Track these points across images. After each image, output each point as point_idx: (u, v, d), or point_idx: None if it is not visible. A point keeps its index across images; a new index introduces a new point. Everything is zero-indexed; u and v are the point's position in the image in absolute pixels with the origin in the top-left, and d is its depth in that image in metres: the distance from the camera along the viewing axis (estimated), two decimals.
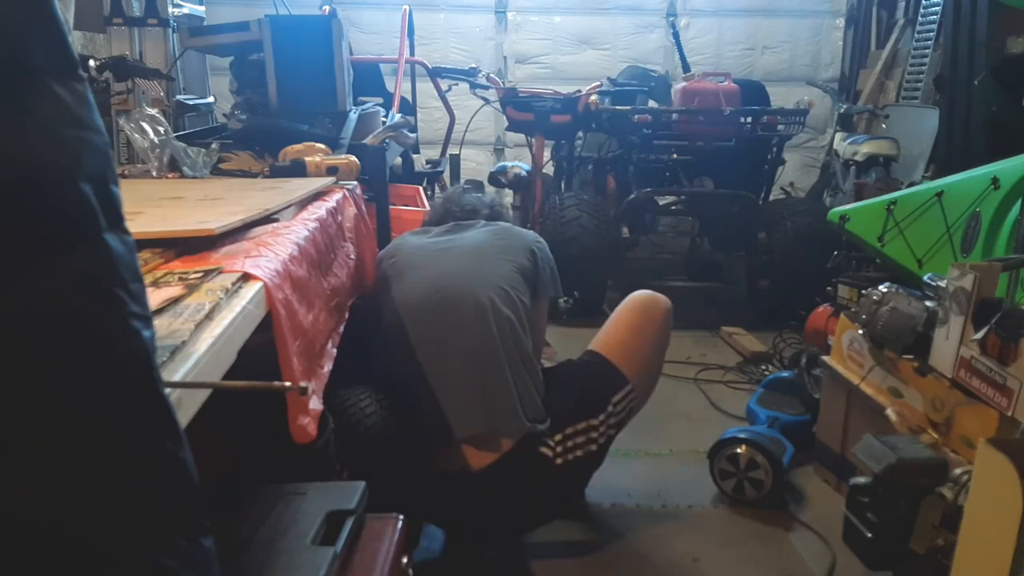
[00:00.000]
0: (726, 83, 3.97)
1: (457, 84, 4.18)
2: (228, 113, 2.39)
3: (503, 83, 4.30)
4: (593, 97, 3.99)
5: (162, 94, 2.36)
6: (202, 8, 3.10)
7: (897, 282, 2.06)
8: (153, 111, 1.90)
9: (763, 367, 3.18)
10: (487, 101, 4.07)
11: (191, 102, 2.60)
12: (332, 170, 1.82)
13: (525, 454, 1.73)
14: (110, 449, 0.51)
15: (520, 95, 4.08)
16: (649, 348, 1.95)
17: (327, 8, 2.87)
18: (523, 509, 1.80)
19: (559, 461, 1.74)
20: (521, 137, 4.51)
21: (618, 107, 3.96)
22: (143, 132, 1.79)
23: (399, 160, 3.02)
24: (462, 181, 4.62)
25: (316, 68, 2.19)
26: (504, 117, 4.24)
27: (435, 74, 3.85)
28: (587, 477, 1.89)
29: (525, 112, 4.01)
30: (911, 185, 3.16)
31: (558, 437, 1.75)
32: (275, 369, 1.03)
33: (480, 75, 4.03)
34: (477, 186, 5.00)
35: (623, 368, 1.87)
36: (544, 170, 4.65)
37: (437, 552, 1.93)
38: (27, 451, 0.47)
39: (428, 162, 4.65)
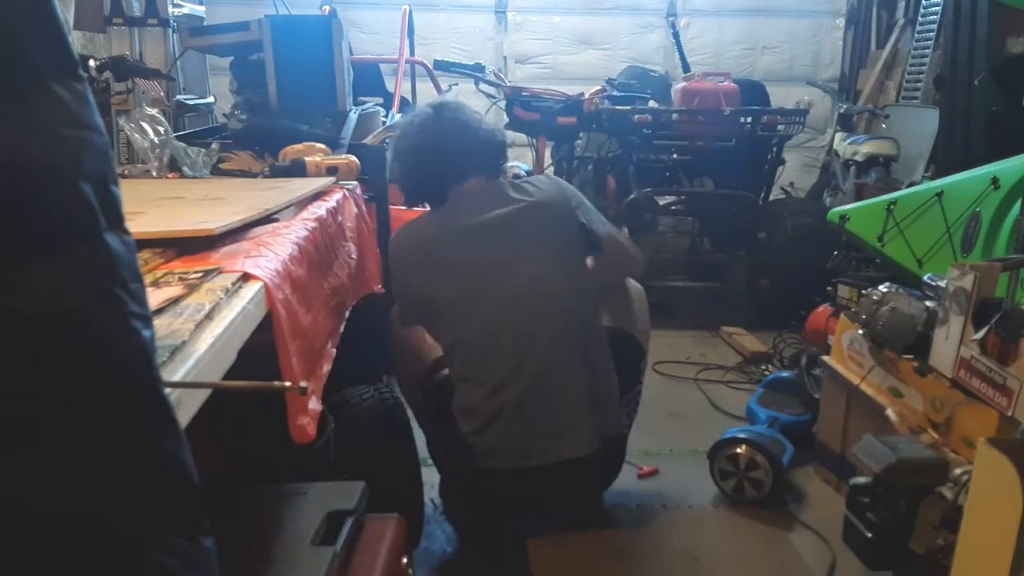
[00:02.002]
0: (726, 83, 3.97)
1: (457, 84, 4.17)
2: (228, 113, 2.39)
3: (507, 81, 4.29)
4: (593, 98, 3.99)
5: (162, 94, 2.36)
6: (202, 8, 3.10)
7: (897, 282, 2.07)
8: (153, 111, 1.90)
9: (763, 367, 3.18)
10: (492, 99, 4.06)
11: (191, 102, 2.61)
12: (332, 170, 1.82)
13: (616, 439, 1.92)
14: (110, 449, 0.51)
15: (524, 95, 4.07)
16: (647, 319, 2.17)
17: (327, 8, 2.87)
18: (592, 483, 2.02)
19: (624, 432, 1.97)
20: (520, 137, 4.50)
21: (618, 107, 3.96)
22: (143, 132, 1.79)
23: None
24: None
25: (316, 68, 2.20)
26: (505, 115, 4.23)
27: (441, 68, 3.83)
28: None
29: (531, 112, 4.00)
30: (911, 185, 3.16)
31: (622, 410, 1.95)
32: (275, 369, 1.03)
33: (488, 72, 4.01)
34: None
35: (639, 338, 2.09)
36: (544, 170, 4.65)
37: (438, 552, 1.93)
38: (26, 451, 0.47)
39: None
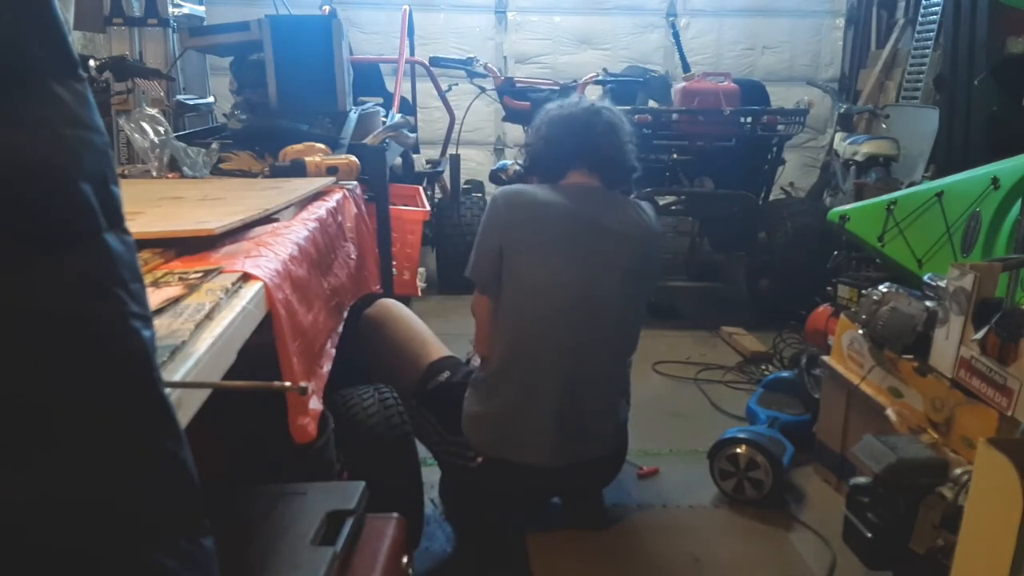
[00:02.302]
0: (726, 83, 3.97)
1: (457, 84, 4.18)
2: (228, 113, 2.39)
3: (498, 73, 4.29)
4: (587, 84, 3.99)
5: (162, 94, 2.36)
6: (202, 8, 3.10)
7: (897, 282, 2.07)
8: (153, 111, 1.90)
9: (763, 367, 3.18)
10: (483, 90, 4.07)
11: (191, 102, 2.61)
12: (332, 170, 1.82)
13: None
14: (110, 449, 0.51)
15: (517, 85, 4.08)
16: None
17: (327, 8, 2.87)
18: (606, 474, 2.07)
19: (621, 445, 2.04)
20: (521, 135, 4.50)
21: (618, 107, 3.95)
22: (143, 132, 1.79)
23: (399, 160, 3.02)
24: (461, 181, 4.59)
25: (316, 68, 2.20)
26: (502, 111, 4.23)
27: (434, 64, 3.84)
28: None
29: (522, 101, 4.00)
30: (911, 185, 3.16)
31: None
32: (275, 369, 1.03)
33: (477, 64, 4.02)
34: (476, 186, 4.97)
35: None
36: None
37: (438, 552, 1.93)
38: (26, 451, 0.47)
39: (428, 162, 4.65)
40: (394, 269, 2.07)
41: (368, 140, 2.20)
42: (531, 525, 2.02)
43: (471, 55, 4.21)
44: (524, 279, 1.84)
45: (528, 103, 3.99)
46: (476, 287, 1.94)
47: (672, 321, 3.72)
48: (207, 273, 0.96)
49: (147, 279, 0.93)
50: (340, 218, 1.62)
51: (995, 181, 2.23)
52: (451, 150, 4.39)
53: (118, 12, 2.48)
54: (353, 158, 1.90)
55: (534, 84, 4.13)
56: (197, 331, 0.78)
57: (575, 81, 4.04)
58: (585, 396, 1.88)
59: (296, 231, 1.28)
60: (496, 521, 2.03)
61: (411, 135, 2.84)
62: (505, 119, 4.37)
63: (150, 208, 1.30)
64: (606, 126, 1.93)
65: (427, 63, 3.97)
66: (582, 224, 1.86)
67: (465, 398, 1.92)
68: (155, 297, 0.84)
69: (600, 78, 4.19)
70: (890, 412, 1.86)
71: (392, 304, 2.06)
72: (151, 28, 2.54)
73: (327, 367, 1.28)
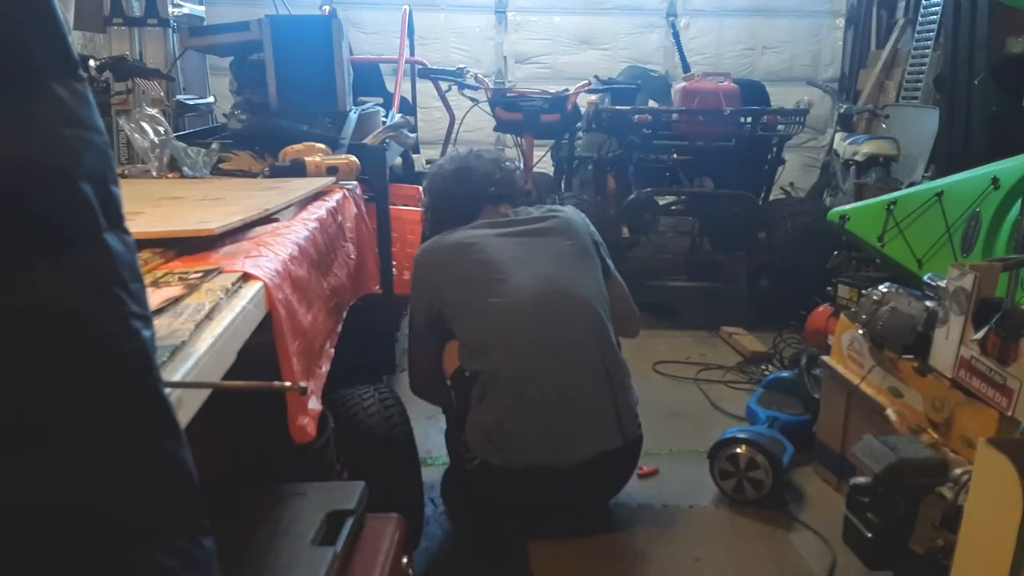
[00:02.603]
0: (726, 83, 3.96)
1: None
2: (228, 113, 2.39)
3: (492, 83, 4.28)
4: (592, 97, 3.98)
5: (162, 94, 2.36)
6: (202, 8, 3.10)
7: (897, 282, 2.06)
8: (153, 111, 1.90)
9: (763, 367, 3.18)
10: (475, 102, 4.07)
11: (191, 102, 2.61)
12: (332, 170, 1.82)
13: (636, 440, 1.98)
14: (110, 449, 0.51)
15: (508, 95, 4.08)
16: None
17: (327, 8, 2.86)
18: (613, 486, 2.04)
19: (641, 434, 2.00)
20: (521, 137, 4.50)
21: (618, 107, 3.96)
22: (143, 132, 1.79)
23: (399, 160, 3.02)
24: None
25: (316, 68, 2.19)
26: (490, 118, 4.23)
27: (423, 75, 3.84)
28: None
29: (514, 112, 4.00)
30: (911, 185, 3.16)
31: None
32: (275, 369, 1.03)
33: (468, 75, 4.02)
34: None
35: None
36: (543, 170, 4.65)
37: (437, 552, 1.93)
38: (26, 451, 0.47)
39: (428, 162, 4.64)
40: (394, 269, 2.06)
41: (368, 140, 2.20)
42: (531, 525, 2.01)
43: (461, 66, 4.20)
44: (487, 315, 1.89)
45: (520, 114, 3.99)
46: (414, 343, 2.04)
47: (672, 321, 3.72)
48: (207, 273, 0.96)
49: (147, 279, 0.93)
50: (340, 218, 1.62)
51: (995, 181, 2.23)
52: (451, 150, 4.38)
53: (118, 12, 2.48)
54: (353, 158, 1.90)
55: (525, 94, 4.13)
56: (197, 331, 0.78)
57: (567, 90, 4.04)
58: (576, 389, 1.87)
59: (296, 231, 1.28)
60: (498, 524, 2.02)
61: (411, 135, 2.84)
62: (496, 129, 4.37)
63: (150, 208, 1.30)
64: (494, 163, 2.15)
65: (427, 64, 3.96)
66: (512, 234, 1.99)
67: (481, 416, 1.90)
68: (155, 297, 0.84)
69: (592, 87, 4.18)
70: (890, 412, 1.86)
71: None
72: (151, 28, 2.54)
73: (327, 367, 1.28)
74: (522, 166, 4.14)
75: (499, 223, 2.03)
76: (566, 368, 1.87)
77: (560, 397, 1.85)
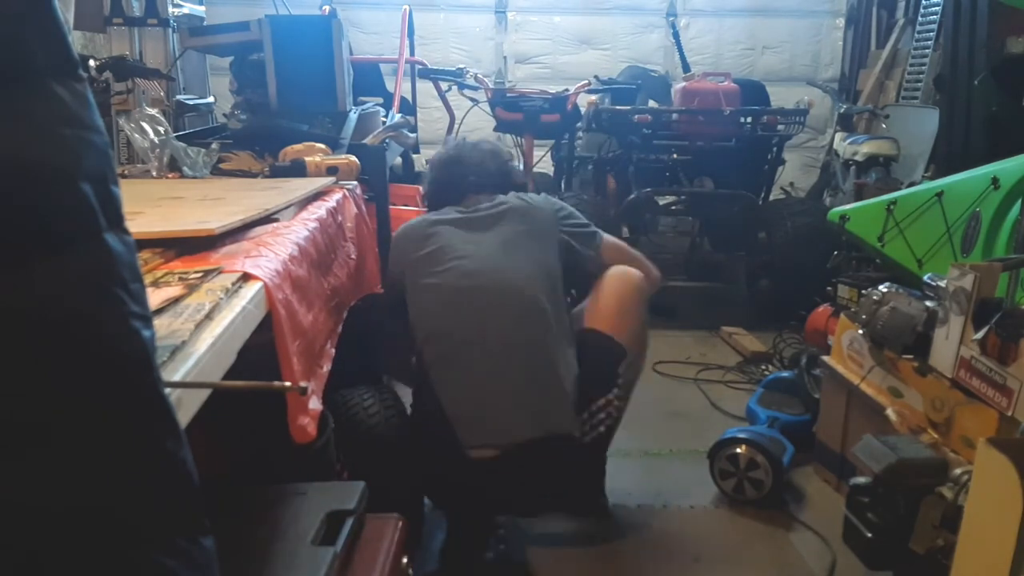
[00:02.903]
0: (726, 83, 3.96)
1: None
2: (228, 113, 2.39)
3: (492, 83, 4.28)
4: (592, 97, 3.98)
5: (162, 94, 2.36)
6: (202, 8, 3.10)
7: (897, 282, 2.06)
8: (153, 111, 1.90)
9: (763, 367, 3.18)
10: (475, 102, 4.07)
11: (191, 102, 2.61)
12: (332, 170, 1.82)
13: (559, 437, 1.80)
14: (110, 449, 0.51)
15: (508, 96, 4.08)
16: (637, 315, 1.99)
17: (327, 8, 2.86)
18: (547, 489, 1.87)
19: (586, 439, 1.82)
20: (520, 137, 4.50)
21: (618, 107, 3.96)
22: (143, 132, 1.79)
23: (399, 160, 3.02)
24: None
25: (316, 68, 2.20)
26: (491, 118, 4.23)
27: (423, 75, 3.84)
28: (605, 450, 1.94)
29: (514, 112, 4.01)
30: (911, 185, 3.16)
31: (584, 415, 1.83)
32: (275, 369, 1.03)
33: (468, 75, 4.02)
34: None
35: (620, 339, 1.92)
36: (543, 170, 4.65)
37: (437, 552, 1.93)
38: (26, 451, 0.47)
39: (428, 162, 4.63)
40: None
41: (368, 140, 2.20)
42: (530, 524, 2.01)
43: (461, 66, 4.21)
44: (422, 298, 1.89)
45: (520, 114, 3.99)
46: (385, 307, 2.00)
47: (672, 321, 3.72)
48: (207, 273, 0.96)
49: (147, 279, 0.93)
50: (340, 218, 1.62)
51: (995, 181, 2.23)
52: (456, 139, 4.37)
53: (118, 12, 2.48)
54: (353, 158, 1.90)
55: (525, 94, 4.13)
56: (197, 331, 0.78)
57: (566, 90, 4.04)
58: (489, 379, 1.78)
59: (296, 231, 1.28)
60: (478, 520, 1.97)
61: (411, 135, 2.84)
62: (496, 130, 4.38)
63: (150, 208, 1.30)
64: (488, 153, 2.16)
65: (427, 64, 3.96)
66: (466, 223, 1.98)
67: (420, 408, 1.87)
68: (155, 297, 0.84)
69: (592, 87, 4.18)
70: (890, 412, 1.86)
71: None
72: (151, 28, 2.54)
73: (327, 367, 1.28)
74: (522, 166, 4.15)
75: (463, 211, 2.02)
76: (483, 359, 1.79)
77: (475, 388, 1.78)
